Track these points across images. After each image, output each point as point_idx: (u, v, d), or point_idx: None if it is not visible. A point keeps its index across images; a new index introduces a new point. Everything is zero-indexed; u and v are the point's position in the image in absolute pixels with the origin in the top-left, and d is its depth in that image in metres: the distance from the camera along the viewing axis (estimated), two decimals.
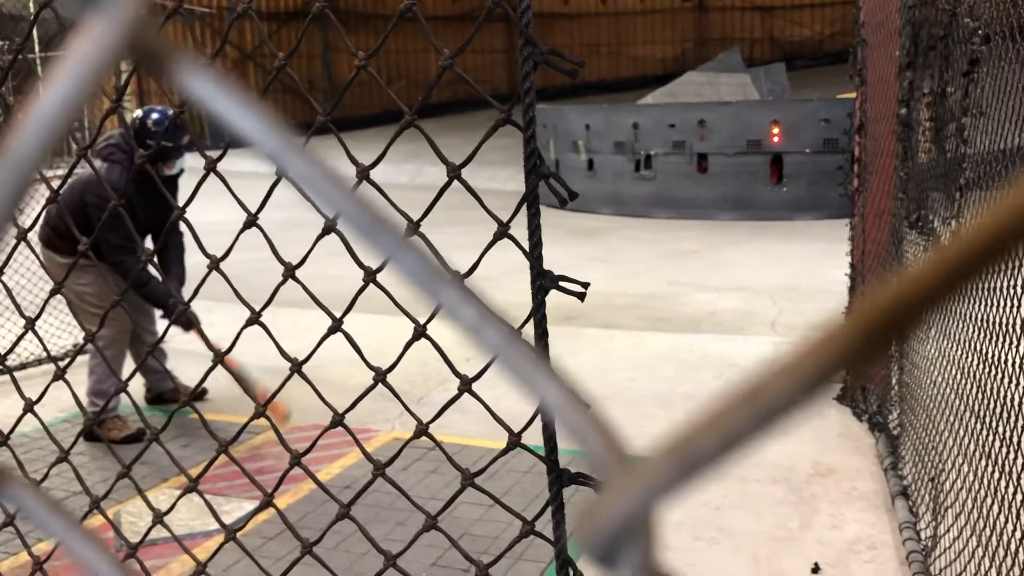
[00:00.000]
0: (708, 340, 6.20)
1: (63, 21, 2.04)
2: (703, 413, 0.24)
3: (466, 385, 1.69)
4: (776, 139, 11.54)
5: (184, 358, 4.91)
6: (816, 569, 3.32)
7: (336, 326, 1.75)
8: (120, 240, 4.23)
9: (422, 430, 1.73)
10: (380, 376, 1.75)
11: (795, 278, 8.03)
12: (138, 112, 4.66)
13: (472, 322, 0.25)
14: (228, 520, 2.06)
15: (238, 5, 1.81)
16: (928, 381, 3.45)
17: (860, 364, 0.23)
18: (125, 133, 4.31)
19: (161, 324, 4.85)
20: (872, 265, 4.58)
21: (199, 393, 4.91)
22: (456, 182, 1.62)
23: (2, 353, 2.26)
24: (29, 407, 1.99)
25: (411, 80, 25.80)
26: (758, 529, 3.64)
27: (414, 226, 1.49)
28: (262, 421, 2.02)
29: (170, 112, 4.59)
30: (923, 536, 3.28)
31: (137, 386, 5.00)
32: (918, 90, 3.87)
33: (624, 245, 10.37)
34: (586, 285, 1.54)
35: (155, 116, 4.58)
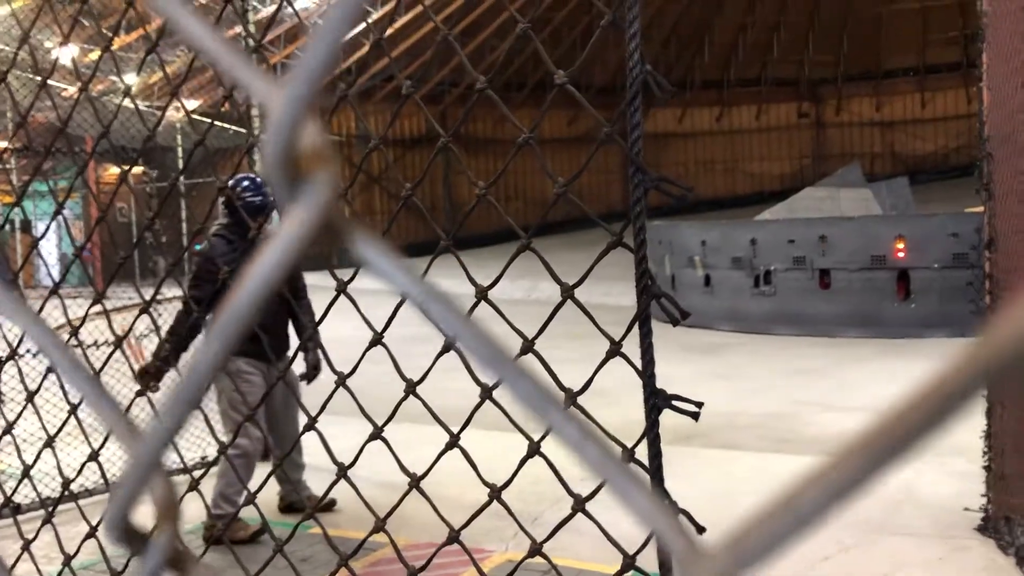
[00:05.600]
0: None
1: (209, 153, 2.22)
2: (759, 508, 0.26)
3: (579, 505, 1.67)
4: (902, 254, 11.21)
5: (317, 472, 5.03)
6: None
7: (453, 441, 1.77)
8: (207, 300, 4.23)
9: (536, 549, 1.70)
10: (495, 493, 1.75)
11: None
12: (230, 182, 4.82)
13: (575, 440, 0.27)
14: None
15: (369, 136, 1.93)
16: None
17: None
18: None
19: (301, 440, 4.99)
20: (1010, 387, 4.33)
21: (328, 504, 5.00)
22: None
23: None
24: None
25: (528, 199, 26.46)
26: None
27: (528, 344, 1.52)
28: (382, 537, 2.03)
29: (258, 177, 4.91)
30: None
31: (271, 495, 5.11)
32: None
33: (744, 362, 10.13)
34: (700, 405, 1.52)
35: (245, 182, 4.85)
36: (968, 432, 5.08)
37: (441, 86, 26.93)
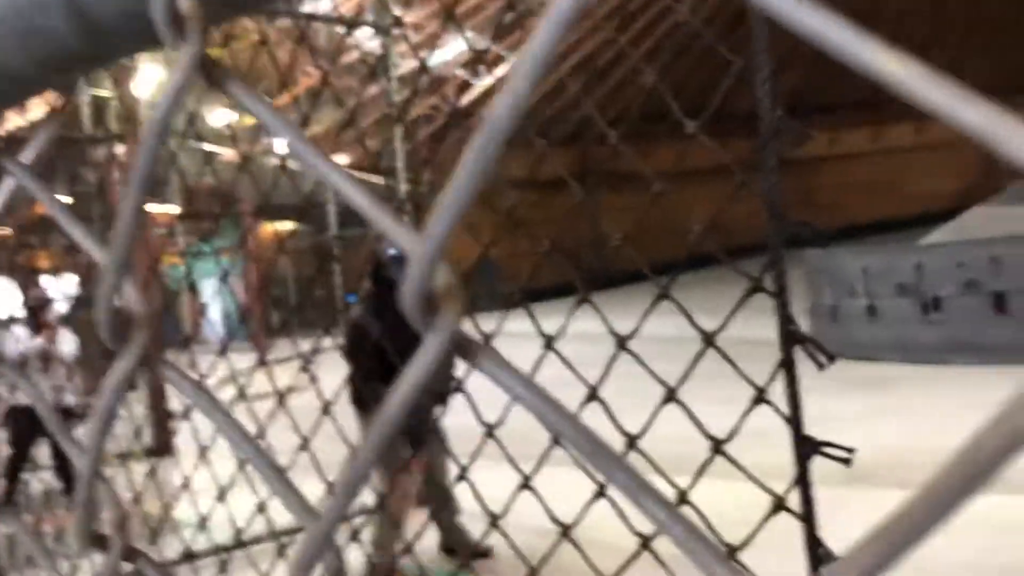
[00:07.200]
0: None
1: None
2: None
3: (731, 553, 1.59)
4: None
5: (473, 518, 5.08)
6: None
7: (600, 491, 1.73)
8: (363, 369, 4.48)
9: None
10: (644, 541, 1.70)
11: None
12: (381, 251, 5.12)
13: (662, 519, 0.29)
14: None
15: (511, 180, 1.93)
16: None
17: None
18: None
19: (452, 484, 5.04)
20: None
21: (484, 551, 5.01)
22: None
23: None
24: None
25: (679, 230, 26.10)
26: None
27: (669, 392, 1.47)
28: None
29: None
30: None
31: (432, 539, 5.17)
32: None
33: (915, 395, 9.56)
34: (851, 451, 1.42)
35: (391, 251, 5.01)
36: None
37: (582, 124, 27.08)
